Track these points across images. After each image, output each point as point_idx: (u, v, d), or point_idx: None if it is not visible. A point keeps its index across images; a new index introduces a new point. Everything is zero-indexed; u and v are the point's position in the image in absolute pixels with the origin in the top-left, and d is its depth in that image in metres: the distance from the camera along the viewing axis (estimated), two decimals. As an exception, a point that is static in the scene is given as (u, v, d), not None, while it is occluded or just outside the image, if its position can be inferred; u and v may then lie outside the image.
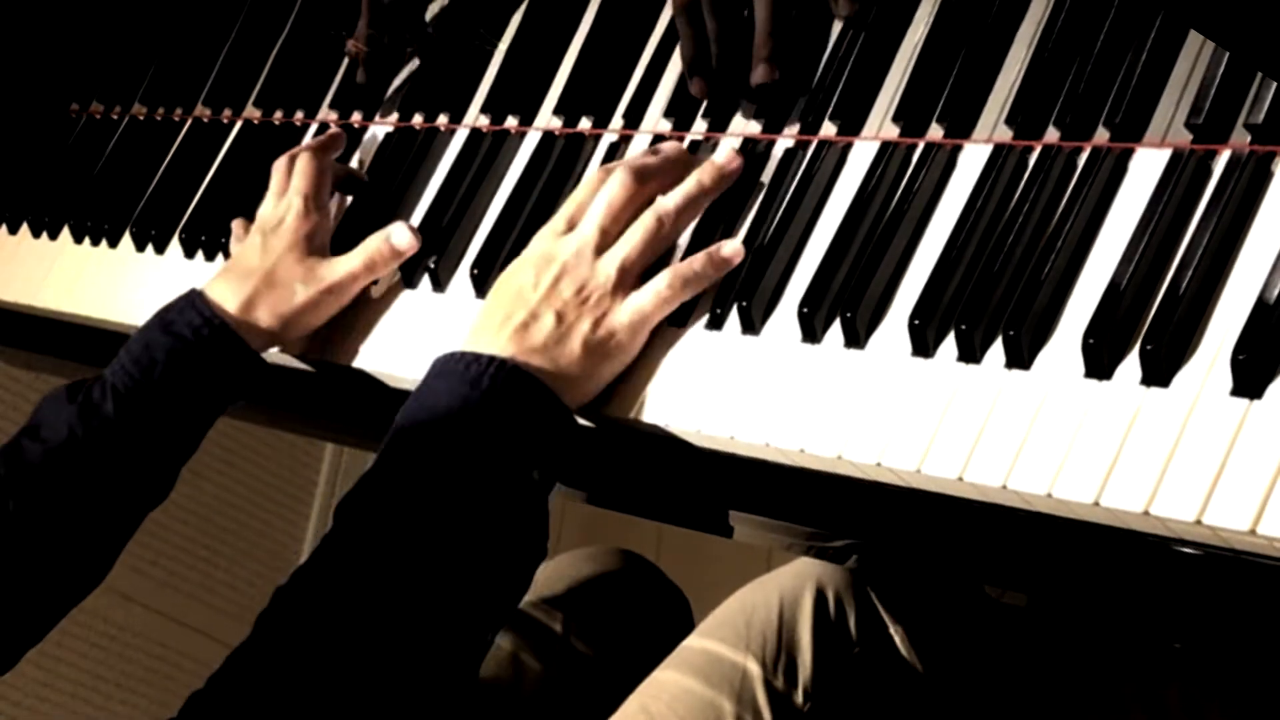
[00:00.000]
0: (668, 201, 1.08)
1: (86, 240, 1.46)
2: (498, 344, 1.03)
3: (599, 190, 1.09)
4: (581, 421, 1.10)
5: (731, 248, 1.06)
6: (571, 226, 1.09)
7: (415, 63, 1.36)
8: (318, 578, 0.97)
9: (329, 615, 0.95)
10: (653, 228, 1.07)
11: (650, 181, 1.10)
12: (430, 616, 0.96)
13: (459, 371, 1.01)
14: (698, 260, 1.07)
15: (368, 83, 1.35)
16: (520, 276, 1.07)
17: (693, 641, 1.24)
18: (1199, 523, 0.86)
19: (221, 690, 0.93)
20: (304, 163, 1.24)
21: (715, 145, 1.17)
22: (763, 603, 1.23)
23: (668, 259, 1.11)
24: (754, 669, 1.20)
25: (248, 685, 0.93)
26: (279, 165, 1.27)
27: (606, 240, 1.07)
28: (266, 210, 1.24)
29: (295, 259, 1.19)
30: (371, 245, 1.20)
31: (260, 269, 1.19)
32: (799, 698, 1.20)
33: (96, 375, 1.17)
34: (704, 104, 1.18)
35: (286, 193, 1.24)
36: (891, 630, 1.23)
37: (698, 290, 1.07)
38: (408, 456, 1.00)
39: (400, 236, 1.19)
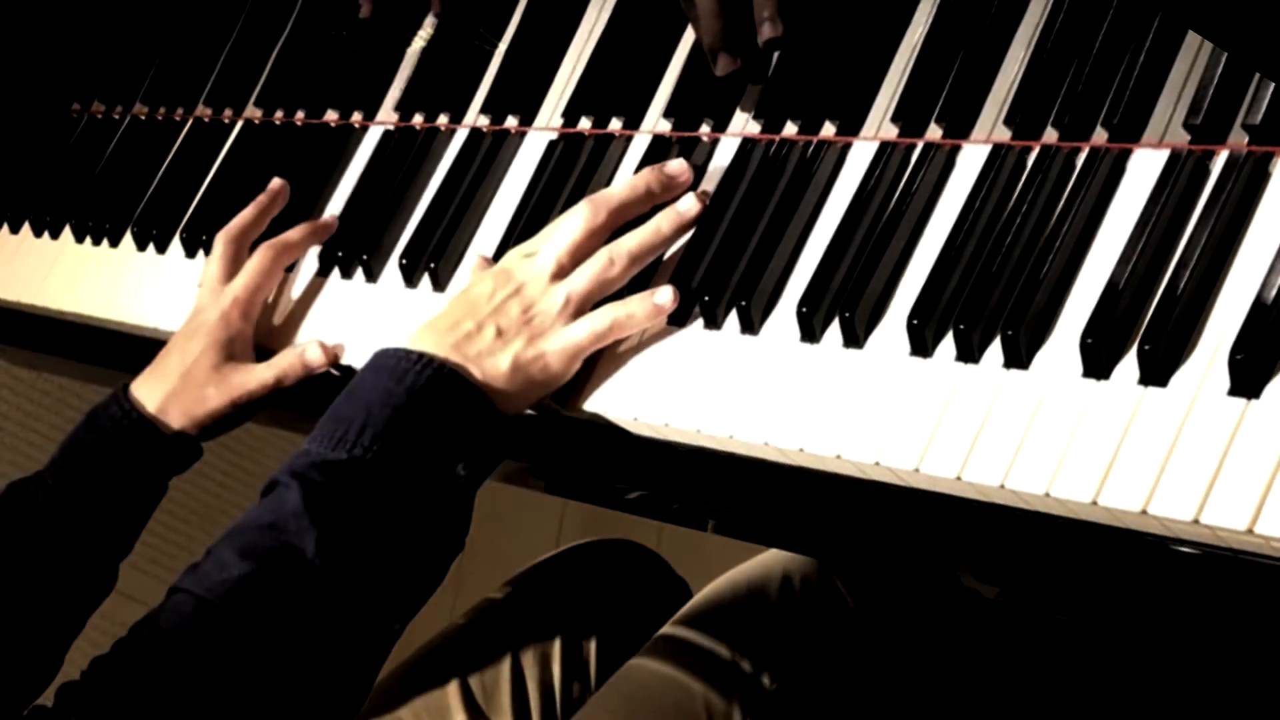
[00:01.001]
0: (622, 244, 1.11)
1: (88, 240, 1.46)
2: (435, 346, 1.07)
3: (566, 222, 1.12)
4: (579, 418, 1.11)
5: (664, 296, 1.09)
6: (534, 253, 1.12)
7: (416, 63, 1.37)
8: (234, 554, 0.98)
9: (238, 593, 0.96)
10: (604, 267, 1.11)
11: (616, 217, 1.13)
12: (341, 601, 0.98)
13: (389, 366, 1.05)
14: (633, 302, 1.10)
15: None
16: (480, 287, 1.11)
17: (665, 631, 1.27)
18: (1197, 522, 0.86)
19: (128, 668, 0.95)
20: (255, 263, 1.26)
21: (715, 145, 1.17)
22: (730, 592, 1.26)
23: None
24: (722, 652, 1.22)
25: (162, 664, 0.95)
26: (229, 242, 1.28)
27: (563, 271, 1.11)
28: (202, 297, 1.27)
29: (210, 364, 1.22)
30: (284, 360, 1.23)
31: (177, 372, 1.22)
32: (766, 680, 1.21)
33: (36, 473, 1.22)
34: (703, 104, 1.19)
35: (224, 291, 1.25)
36: (859, 618, 1.25)
37: (631, 330, 1.10)
38: (330, 444, 1.02)
39: (313, 354, 1.22)
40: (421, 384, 1.04)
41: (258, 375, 1.22)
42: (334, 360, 1.22)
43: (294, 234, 1.29)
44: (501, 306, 1.09)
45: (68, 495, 1.19)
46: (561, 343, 1.08)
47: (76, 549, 1.20)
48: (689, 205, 1.13)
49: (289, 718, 0.97)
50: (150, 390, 1.22)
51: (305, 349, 1.22)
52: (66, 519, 1.19)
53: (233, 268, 1.27)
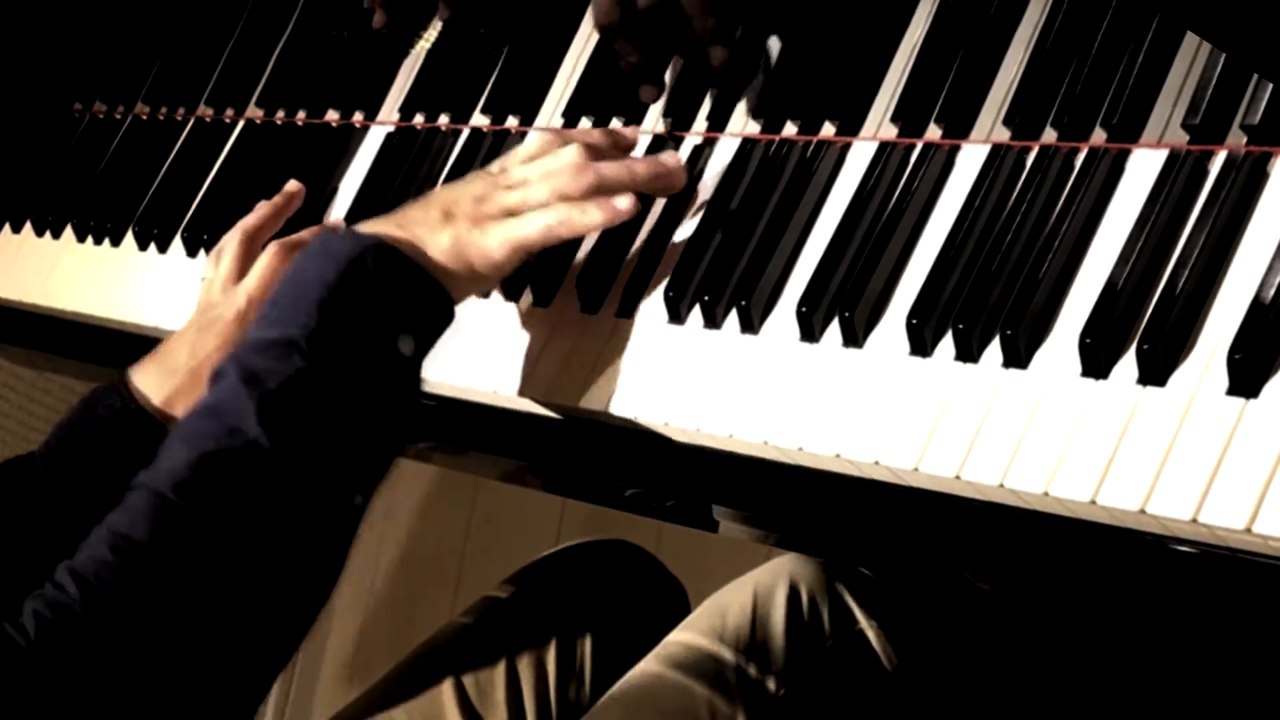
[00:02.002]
0: (599, 166, 1.11)
1: (89, 239, 1.47)
2: (376, 227, 1.06)
3: (551, 155, 1.12)
4: (578, 417, 1.11)
5: (625, 201, 1.09)
6: (504, 169, 1.12)
7: (417, 63, 1.37)
8: (179, 444, 0.97)
9: (190, 481, 0.95)
10: (567, 178, 1.10)
11: (596, 171, 1.12)
12: (291, 475, 0.97)
13: (323, 248, 1.03)
14: (591, 201, 1.09)
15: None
16: (441, 188, 1.11)
17: (672, 637, 1.26)
18: (1195, 521, 0.87)
19: (94, 570, 0.94)
20: (267, 261, 1.25)
21: (715, 145, 1.18)
22: (738, 599, 1.25)
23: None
24: (728, 657, 1.22)
25: (128, 562, 0.94)
26: (242, 241, 1.27)
27: (525, 185, 1.10)
28: (213, 293, 1.25)
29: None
30: None
31: (185, 367, 1.20)
32: (772, 685, 1.21)
33: (29, 453, 1.20)
34: (703, 104, 1.19)
35: (237, 289, 1.24)
36: (864, 624, 1.25)
37: (584, 229, 1.09)
38: (266, 325, 1.01)
39: None
40: (353, 257, 1.02)
41: None
42: None
43: (306, 235, 1.28)
44: (457, 195, 1.09)
45: (59, 480, 1.18)
46: (507, 233, 1.08)
47: (64, 534, 1.18)
48: (669, 156, 1.14)
49: (263, 607, 0.95)
50: (154, 382, 1.20)
51: None
52: (56, 503, 1.17)
53: (244, 266, 1.26)
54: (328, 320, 1.00)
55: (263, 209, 1.29)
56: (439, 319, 1.05)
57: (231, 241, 1.27)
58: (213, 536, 0.94)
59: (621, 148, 1.17)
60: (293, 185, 1.32)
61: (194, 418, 0.98)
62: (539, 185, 1.10)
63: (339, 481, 0.99)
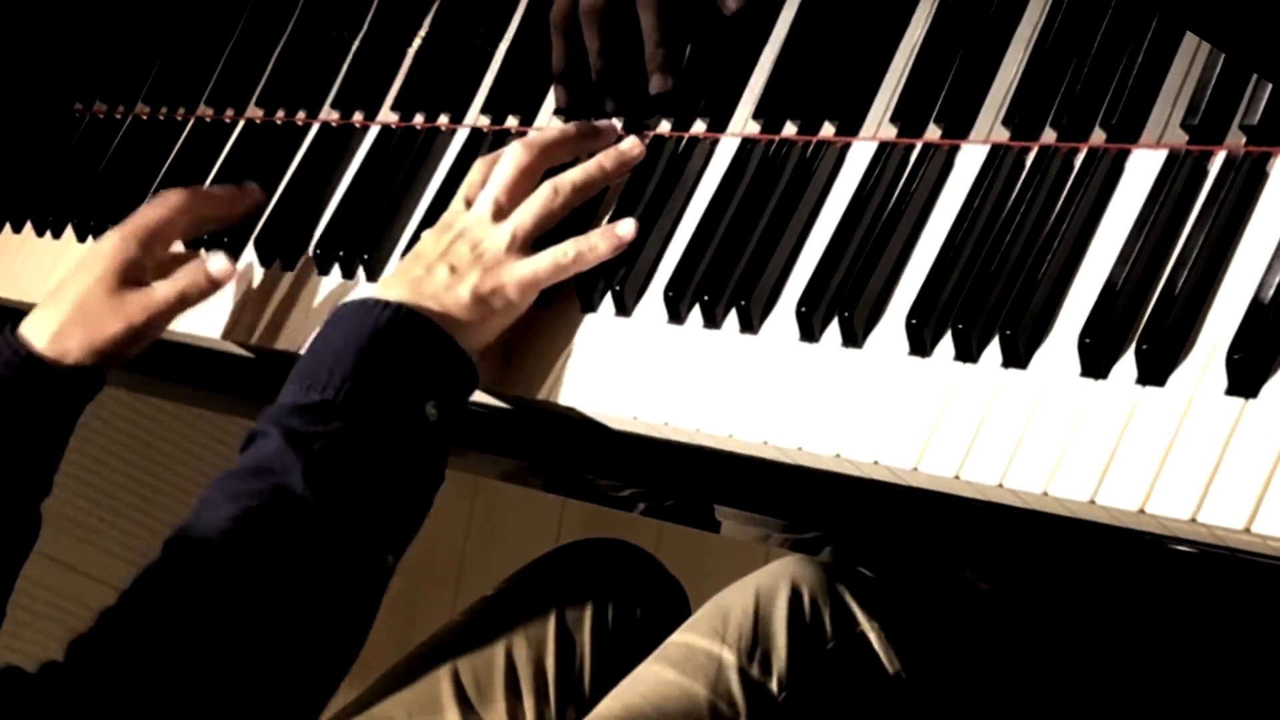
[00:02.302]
0: (566, 176, 1.14)
1: (90, 239, 1.47)
2: (391, 293, 1.08)
3: (499, 165, 1.15)
4: (578, 416, 1.11)
5: (626, 227, 1.12)
6: (469, 204, 1.15)
7: (417, 63, 1.37)
8: (223, 499, 0.98)
9: (234, 533, 0.97)
10: (548, 198, 1.13)
11: (545, 157, 1.16)
12: (333, 532, 0.99)
13: (349, 315, 1.06)
14: (594, 234, 1.12)
15: None
16: (423, 243, 1.13)
17: (674, 638, 1.27)
18: (1194, 521, 0.87)
19: (136, 618, 0.95)
20: (162, 198, 1.25)
21: (715, 145, 1.18)
22: (739, 600, 1.26)
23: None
24: (730, 659, 1.22)
25: (170, 612, 0.95)
26: (162, 196, 1.26)
27: (501, 210, 1.13)
28: (101, 241, 1.24)
29: (106, 289, 1.19)
30: (185, 276, 1.21)
31: (71, 299, 1.19)
32: (774, 686, 1.22)
33: None
34: (702, 104, 1.19)
35: (125, 222, 1.23)
36: (866, 625, 1.25)
37: (591, 263, 1.12)
38: (302, 390, 1.03)
39: (217, 264, 1.22)
40: (383, 325, 1.05)
41: (159, 293, 1.20)
42: (232, 273, 1.22)
43: (219, 189, 1.29)
44: (448, 249, 1.11)
45: None
46: (519, 273, 1.11)
47: None
48: (630, 144, 1.16)
49: (296, 659, 0.97)
50: (41, 324, 1.18)
51: (209, 258, 1.22)
52: None
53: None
54: (363, 385, 1.03)
55: (203, 190, 1.30)
56: (466, 385, 1.08)
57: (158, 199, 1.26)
58: (256, 586, 0.96)
59: (603, 136, 1.18)
60: (251, 186, 1.32)
61: (236, 477, 0.99)
62: (523, 211, 1.13)
63: (375, 539, 1.02)
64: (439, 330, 1.07)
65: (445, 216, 1.15)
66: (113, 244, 1.21)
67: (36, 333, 1.18)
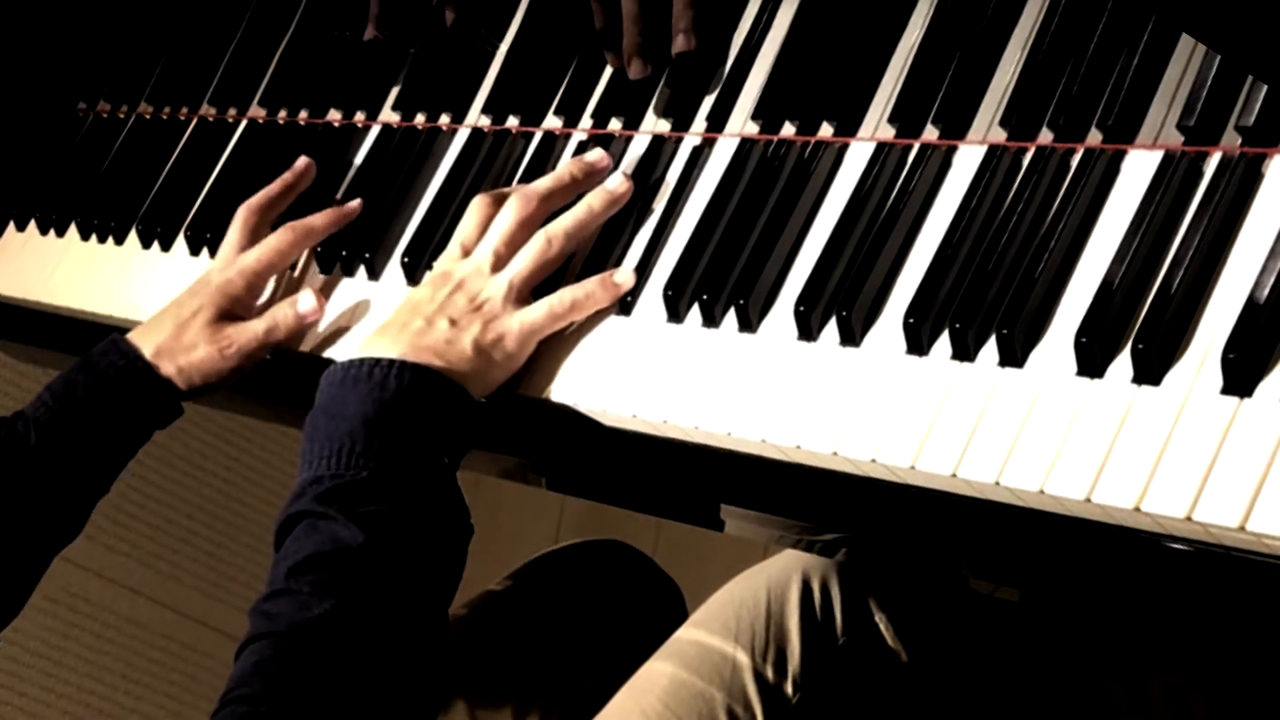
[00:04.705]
0: (558, 225, 1.16)
1: (93, 237, 1.47)
2: (394, 349, 1.09)
3: (493, 216, 1.16)
4: (578, 415, 1.12)
5: (623, 275, 1.13)
6: (466, 252, 1.16)
7: (418, 63, 1.37)
8: (309, 588, 0.99)
9: (304, 633, 0.98)
10: (543, 248, 1.15)
11: (544, 206, 1.17)
12: (392, 609, 1.00)
13: (364, 377, 1.07)
14: (591, 283, 1.13)
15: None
16: (418, 294, 1.14)
17: (683, 634, 1.26)
18: (1189, 519, 0.87)
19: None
20: (273, 240, 1.27)
21: (713, 145, 1.18)
22: (751, 595, 1.26)
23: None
24: (744, 660, 1.22)
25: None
26: (250, 214, 1.29)
27: (500, 261, 1.14)
28: (217, 261, 1.28)
29: (205, 321, 1.24)
30: (277, 310, 1.25)
31: (171, 324, 1.24)
32: (788, 688, 1.22)
33: (16, 412, 1.23)
34: (702, 104, 1.20)
35: (236, 260, 1.27)
36: (877, 620, 1.25)
37: (589, 311, 1.13)
38: (341, 464, 1.04)
39: (306, 303, 1.24)
40: (405, 385, 1.06)
41: (249, 328, 1.24)
42: (319, 312, 1.24)
43: (318, 219, 1.29)
44: (447, 301, 1.12)
45: (60, 437, 1.20)
46: (518, 324, 1.12)
47: (61, 490, 1.21)
48: (617, 183, 1.17)
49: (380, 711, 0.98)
50: (145, 341, 1.23)
51: (298, 297, 1.24)
52: (56, 460, 1.20)
53: (250, 240, 1.28)
54: (394, 450, 1.04)
55: (273, 186, 1.31)
56: (472, 432, 1.10)
57: (239, 215, 1.29)
58: (354, 669, 0.98)
59: (595, 173, 1.19)
60: (302, 161, 1.33)
61: (314, 561, 1.00)
62: (519, 261, 1.14)
63: (437, 596, 1.03)
64: (451, 382, 1.08)
65: (442, 264, 1.16)
66: (223, 280, 1.25)
67: (143, 345, 1.23)
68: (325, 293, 1.29)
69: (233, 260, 1.27)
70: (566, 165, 1.19)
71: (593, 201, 1.17)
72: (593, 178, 1.18)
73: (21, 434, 1.20)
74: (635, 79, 1.21)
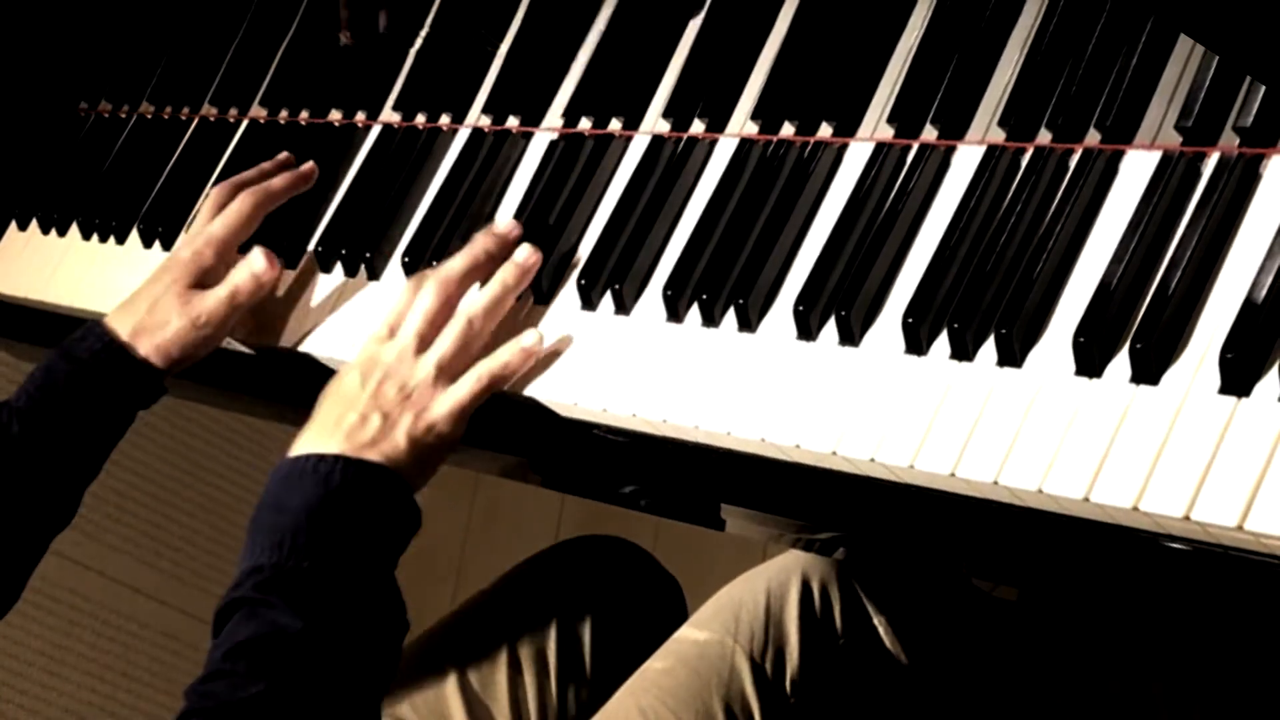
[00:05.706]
0: (476, 303, 1.17)
1: (94, 237, 1.47)
2: (333, 444, 1.11)
3: (413, 299, 1.17)
4: (577, 414, 1.12)
5: (530, 339, 1.15)
6: (393, 333, 1.17)
7: (419, 63, 1.38)
8: (246, 670, 1.01)
9: (234, 714, 1.00)
10: (464, 329, 1.16)
11: (460, 288, 1.18)
12: (323, 696, 1.02)
13: (309, 471, 1.09)
14: (503, 351, 1.15)
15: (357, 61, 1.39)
16: (348, 381, 1.15)
17: (684, 633, 1.27)
18: (1187, 519, 0.87)
19: None
20: (235, 206, 1.29)
21: (714, 145, 1.18)
22: (750, 596, 1.26)
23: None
24: (742, 662, 1.22)
25: None
26: (219, 190, 1.31)
27: (424, 343, 1.16)
28: (185, 236, 1.29)
29: (177, 293, 1.25)
30: (234, 275, 1.26)
31: (145, 302, 1.26)
32: (787, 689, 1.22)
33: (0, 402, 1.23)
34: (701, 105, 1.20)
35: (203, 230, 1.28)
36: (876, 621, 1.26)
37: (511, 377, 1.15)
38: (283, 555, 1.05)
39: (258, 262, 1.26)
40: (350, 479, 1.08)
41: (214, 294, 1.25)
42: (278, 273, 1.26)
43: (276, 181, 1.31)
44: (377, 391, 1.13)
45: (43, 424, 1.21)
46: (447, 407, 1.13)
47: (48, 477, 1.22)
48: (525, 255, 1.18)
49: None
50: (120, 322, 1.25)
51: (250, 257, 1.26)
52: (41, 448, 1.21)
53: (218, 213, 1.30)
54: (332, 544, 1.06)
55: (250, 171, 1.33)
56: (413, 526, 1.11)
57: (212, 194, 1.31)
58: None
59: (507, 244, 1.20)
60: (283, 155, 1.35)
61: (251, 645, 1.02)
62: (443, 342, 1.15)
63: (374, 680, 1.05)
64: (395, 476, 1.10)
65: (369, 349, 1.17)
66: (191, 252, 1.27)
67: (119, 327, 1.24)
68: (324, 292, 1.29)
69: (200, 231, 1.29)
70: (479, 240, 1.20)
71: (506, 277, 1.18)
72: (506, 249, 1.19)
73: (4, 423, 1.21)
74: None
